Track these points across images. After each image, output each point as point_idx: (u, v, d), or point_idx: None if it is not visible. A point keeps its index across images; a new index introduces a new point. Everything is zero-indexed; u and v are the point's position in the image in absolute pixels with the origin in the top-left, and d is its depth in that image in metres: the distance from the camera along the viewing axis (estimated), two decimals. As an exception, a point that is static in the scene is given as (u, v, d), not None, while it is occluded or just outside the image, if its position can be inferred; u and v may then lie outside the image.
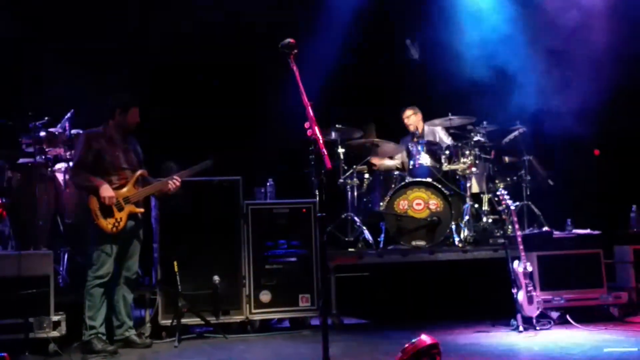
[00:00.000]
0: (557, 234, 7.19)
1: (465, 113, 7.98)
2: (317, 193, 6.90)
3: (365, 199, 7.80)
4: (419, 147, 7.72)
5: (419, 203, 7.41)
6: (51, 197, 6.62)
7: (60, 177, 6.74)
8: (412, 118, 8.26)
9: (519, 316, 6.19)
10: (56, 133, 6.74)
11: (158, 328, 6.32)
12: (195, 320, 6.33)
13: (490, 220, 7.66)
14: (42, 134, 6.64)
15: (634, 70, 8.31)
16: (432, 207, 7.40)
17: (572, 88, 8.28)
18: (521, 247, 6.31)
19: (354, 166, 7.65)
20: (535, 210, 7.89)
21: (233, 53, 8.40)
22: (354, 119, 7.95)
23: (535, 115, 8.32)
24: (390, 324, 6.74)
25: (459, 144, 7.70)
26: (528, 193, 7.95)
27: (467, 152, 7.61)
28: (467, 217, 7.49)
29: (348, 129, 7.72)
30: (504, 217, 7.57)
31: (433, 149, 7.77)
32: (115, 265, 5.82)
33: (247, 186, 6.78)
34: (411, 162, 7.79)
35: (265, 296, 6.57)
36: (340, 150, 7.61)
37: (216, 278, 6.39)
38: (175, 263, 6.24)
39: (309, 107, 4.12)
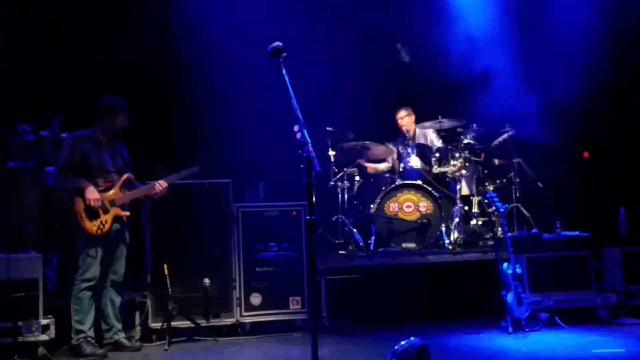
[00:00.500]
0: (546, 236, 7.22)
1: (455, 116, 8.01)
2: (307, 196, 6.89)
3: (355, 202, 7.81)
4: (409, 150, 7.74)
5: (409, 205, 7.43)
6: (40, 200, 6.61)
7: (49, 180, 6.72)
8: (405, 119, 8.27)
9: (508, 318, 6.22)
10: (45, 136, 6.73)
11: (148, 331, 6.31)
12: (186, 323, 6.33)
13: (480, 223, 7.68)
14: (31, 137, 6.62)
15: (623, 71, 8.37)
16: (422, 209, 7.42)
17: (561, 89, 8.32)
18: (510, 249, 6.34)
19: (345, 169, 7.67)
20: (525, 212, 7.91)
21: (223, 54, 8.40)
22: (344, 122, 7.95)
23: (524, 117, 8.35)
24: (381, 326, 6.75)
25: (449, 147, 7.73)
26: (517, 195, 7.97)
27: (457, 155, 7.63)
28: (457, 220, 7.51)
29: (338, 132, 7.74)
30: (493, 219, 7.61)
31: (423, 151, 7.80)
32: (102, 269, 5.81)
33: (237, 189, 6.79)
34: (401, 165, 7.81)
35: (255, 299, 6.58)
36: (331, 152, 7.63)
37: (207, 281, 6.38)
38: (165, 266, 6.24)
39: (298, 110, 4.14)
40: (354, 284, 7.56)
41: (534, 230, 7.49)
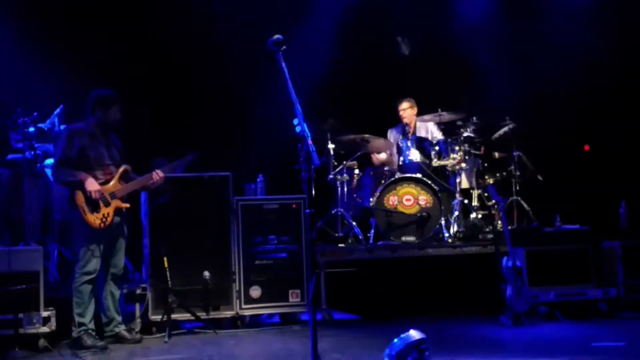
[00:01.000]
0: (546, 229, 7.22)
1: (454, 109, 8.00)
2: (307, 189, 6.90)
3: (355, 195, 7.81)
4: (409, 143, 7.74)
5: (409, 199, 7.43)
6: (40, 193, 6.62)
7: (49, 173, 6.73)
8: (408, 111, 8.23)
9: (507, 311, 6.23)
10: (45, 129, 6.73)
11: (148, 323, 6.32)
12: (186, 316, 6.34)
13: (479, 216, 7.68)
14: (31, 129, 6.63)
15: (626, 62, 8.35)
16: (422, 202, 7.42)
17: (562, 81, 8.32)
18: (510, 242, 6.34)
19: (344, 162, 7.67)
20: (525, 205, 7.92)
21: (223, 47, 8.40)
22: (343, 115, 7.95)
23: (524, 110, 8.35)
24: (380, 319, 6.76)
25: (449, 140, 7.72)
26: (517, 188, 7.98)
27: (457, 148, 7.63)
28: (456, 213, 7.51)
29: (338, 125, 7.73)
30: (493, 212, 7.61)
31: (423, 144, 7.79)
32: (102, 262, 5.82)
33: (237, 182, 6.79)
34: (401, 158, 7.80)
35: (255, 292, 6.59)
36: (330, 146, 7.62)
37: (206, 274, 6.39)
38: (165, 259, 6.24)
39: (297, 104, 4.13)
40: (354, 277, 7.57)
41: (534, 224, 7.50)
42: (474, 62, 8.34)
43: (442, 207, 7.41)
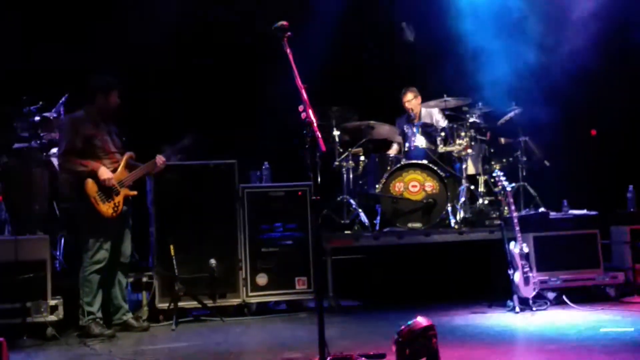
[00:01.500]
0: (553, 214, 7.20)
1: (460, 94, 7.94)
2: (312, 176, 6.89)
3: (361, 182, 7.78)
4: (415, 129, 7.69)
5: (415, 185, 7.40)
6: (47, 182, 6.61)
7: (55, 161, 6.72)
8: (412, 102, 8.18)
9: (515, 297, 6.22)
10: (51, 117, 6.72)
11: (155, 311, 6.34)
12: (192, 304, 6.35)
13: (486, 202, 7.66)
14: (37, 118, 6.62)
15: (633, 46, 8.26)
16: (428, 189, 7.40)
17: (568, 66, 8.24)
18: (517, 228, 6.31)
19: (350, 149, 7.64)
20: (532, 191, 7.89)
21: (228, 35, 8.36)
22: (349, 101, 7.92)
23: (531, 95, 8.29)
24: (387, 306, 6.76)
25: (455, 126, 7.67)
26: (524, 174, 7.95)
27: (463, 134, 7.58)
28: (463, 199, 7.48)
29: (344, 111, 7.69)
30: (500, 198, 7.57)
31: (428, 130, 7.74)
32: (111, 250, 5.82)
33: (242, 169, 6.77)
34: (407, 144, 7.77)
35: (261, 279, 6.59)
36: (336, 132, 7.59)
37: (213, 261, 6.40)
38: (171, 247, 6.25)
39: (303, 90, 4.10)
40: (360, 264, 7.56)
41: (541, 209, 7.47)
42: (478, 46, 8.26)
43: (449, 194, 7.38)
